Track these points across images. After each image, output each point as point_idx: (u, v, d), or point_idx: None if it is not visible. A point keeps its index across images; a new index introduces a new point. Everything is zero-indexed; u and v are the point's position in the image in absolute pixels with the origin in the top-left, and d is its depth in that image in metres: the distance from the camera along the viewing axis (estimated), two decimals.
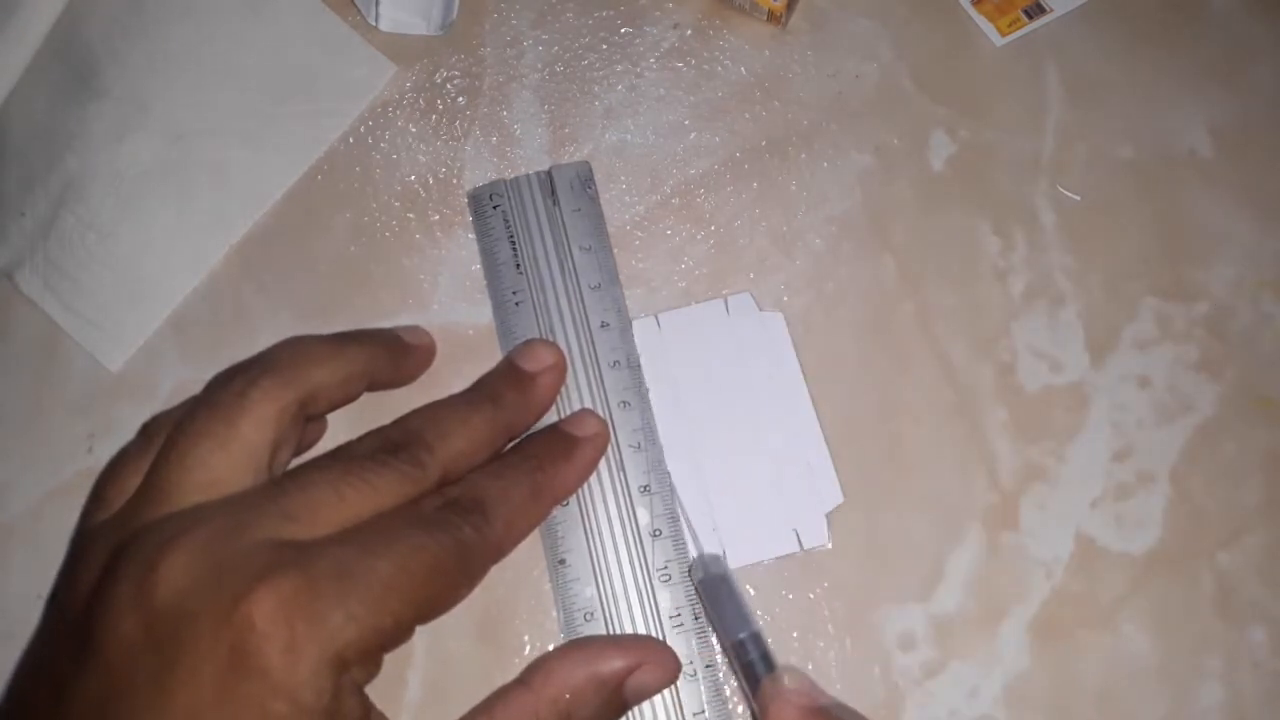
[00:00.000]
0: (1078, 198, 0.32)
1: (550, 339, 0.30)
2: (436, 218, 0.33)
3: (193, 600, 0.20)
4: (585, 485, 0.28)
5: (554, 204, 0.31)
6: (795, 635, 0.29)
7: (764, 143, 0.33)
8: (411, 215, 0.33)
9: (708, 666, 0.27)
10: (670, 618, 0.27)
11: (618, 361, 0.30)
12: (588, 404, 0.29)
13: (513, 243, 0.31)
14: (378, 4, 0.33)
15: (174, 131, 0.33)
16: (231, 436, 0.23)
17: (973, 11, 0.34)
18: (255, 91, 0.34)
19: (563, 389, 0.29)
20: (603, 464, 0.29)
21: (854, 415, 0.30)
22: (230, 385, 0.24)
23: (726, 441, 0.30)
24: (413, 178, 0.33)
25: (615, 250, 0.32)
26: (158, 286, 0.32)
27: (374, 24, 0.34)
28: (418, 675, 0.28)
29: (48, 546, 0.30)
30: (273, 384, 0.24)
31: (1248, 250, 0.32)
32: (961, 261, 0.32)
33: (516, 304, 0.30)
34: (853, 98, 0.34)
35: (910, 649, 0.28)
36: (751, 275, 0.32)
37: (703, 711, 0.27)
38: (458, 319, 0.32)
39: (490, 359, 0.30)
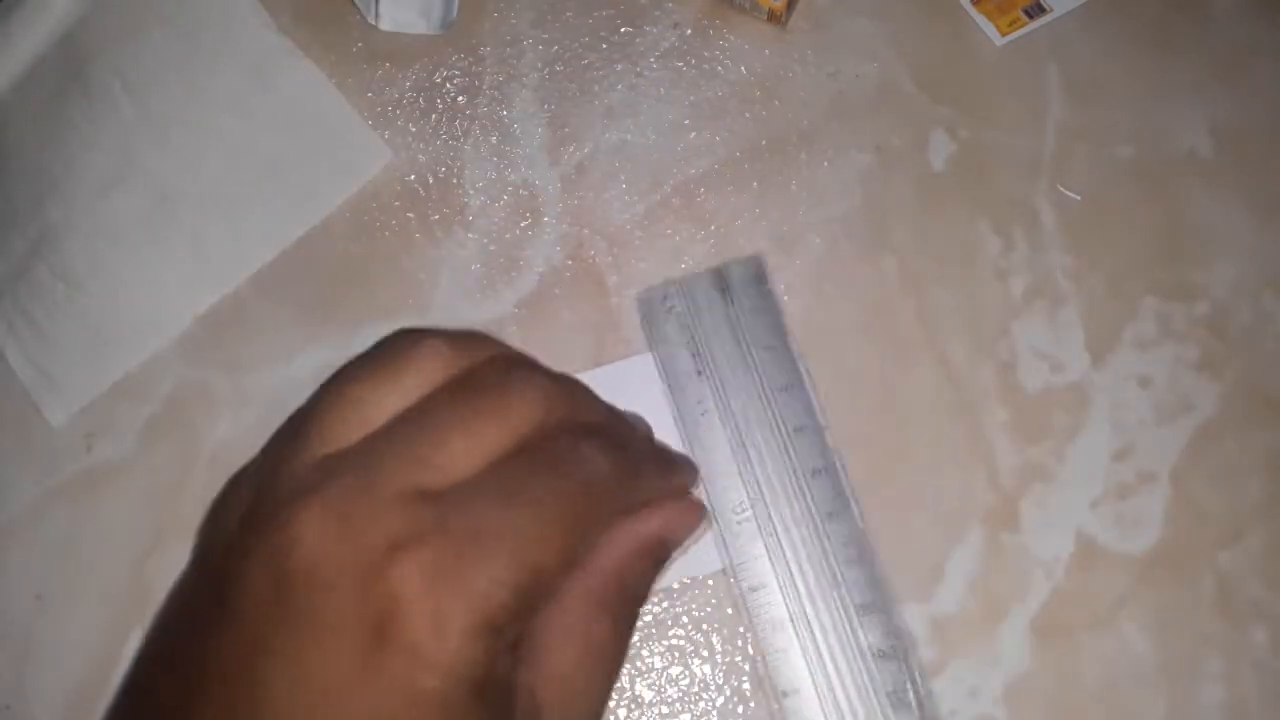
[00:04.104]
0: (1078, 197, 0.32)
1: (741, 448, 0.29)
2: (436, 217, 0.33)
3: (327, 566, 0.19)
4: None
5: (730, 303, 0.30)
6: None
7: (764, 142, 0.33)
8: (411, 215, 0.33)
9: None
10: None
11: (818, 470, 0.29)
12: (791, 513, 0.29)
13: (692, 349, 0.30)
14: (378, 3, 0.33)
15: (159, 192, 0.33)
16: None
17: (973, 11, 0.34)
18: (247, 162, 0.33)
19: (767, 506, 0.29)
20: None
21: (854, 415, 0.30)
22: None
23: None
24: (412, 177, 0.33)
25: (616, 250, 0.32)
26: (114, 349, 0.32)
27: (374, 23, 0.34)
28: None
29: (47, 546, 0.30)
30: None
31: (1248, 250, 0.32)
32: (962, 261, 0.32)
33: (702, 414, 0.30)
34: (853, 98, 0.34)
35: (910, 649, 0.28)
36: None
37: None
38: (459, 319, 0.32)
39: None
